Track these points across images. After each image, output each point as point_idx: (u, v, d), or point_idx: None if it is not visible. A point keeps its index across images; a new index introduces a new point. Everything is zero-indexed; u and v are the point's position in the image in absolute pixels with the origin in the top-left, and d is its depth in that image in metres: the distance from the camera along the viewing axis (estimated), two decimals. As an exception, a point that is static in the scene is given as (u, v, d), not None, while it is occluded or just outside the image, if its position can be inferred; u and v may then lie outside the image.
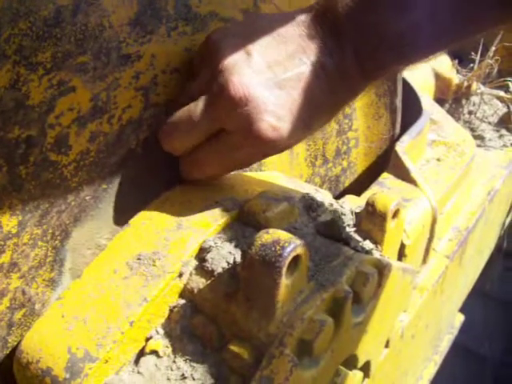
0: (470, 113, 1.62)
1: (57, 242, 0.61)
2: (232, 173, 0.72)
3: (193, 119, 0.62)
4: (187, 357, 0.56)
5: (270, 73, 0.61)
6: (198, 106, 0.62)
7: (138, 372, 0.57)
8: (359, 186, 1.02)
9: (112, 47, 0.59)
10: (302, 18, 0.64)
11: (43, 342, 0.58)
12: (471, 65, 1.63)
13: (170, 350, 0.57)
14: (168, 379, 0.56)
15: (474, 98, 1.63)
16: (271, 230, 0.52)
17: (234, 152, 0.63)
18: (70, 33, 0.55)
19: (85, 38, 0.56)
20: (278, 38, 0.63)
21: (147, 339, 0.58)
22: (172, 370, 0.56)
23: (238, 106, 0.59)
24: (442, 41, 0.64)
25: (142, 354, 0.58)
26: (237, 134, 0.62)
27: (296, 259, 0.51)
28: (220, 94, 0.60)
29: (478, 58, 1.61)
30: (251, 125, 0.60)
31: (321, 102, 0.64)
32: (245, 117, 0.60)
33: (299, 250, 0.51)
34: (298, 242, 0.51)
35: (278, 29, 0.63)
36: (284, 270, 0.50)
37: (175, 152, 0.66)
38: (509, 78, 1.65)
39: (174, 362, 0.57)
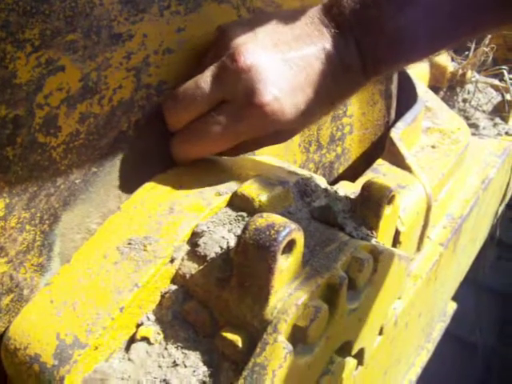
0: (464, 101, 1.61)
1: (45, 226, 0.60)
2: (225, 157, 0.71)
3: (200, 87, 0.62)
4: (179, 343, 0.55)
5: (276, 49, 0.62)
6: (204, 75, 0.62)
7: (129, 359, 0.56)
8: (353, 173, 1.01)
9: (103, 25, 0.58)
10: (309, 11, 0.66)
11: (31, 328, 0.56)
12: (466, 53, 1.63)
13: (161, 336, 0.56)
14: (159, 366, 0.54)
15: (469, 86, 1.62)
16: (265, 214, 0.51)
17: (235, 123, 0.62)
18: (58, 9, 0.53)
19: (74, 15, 0.54)
20: (284, 24, 0.64)
21: (138, 325, 0.57)
22: (163, 357, 0.55)
23: (243, 72, 0.60)
24: (441, 39, 0.65)
25: (132, 340, 0.57)
26: (239, 102, 0.61)
27: (291, 244, 0.50)
28: (227, 62, 0.61)
29: (473, 45, 1.61)
30: (253, 92, 0.60)
31: (323, 87, 0.64)
32: (247, 83, 0.60)
33: (294, 235, 0.50)
34: (293, 226, 0.50)
35: (285, 18, 0.65)
36: (278, 254, 0.49)
37: (176, 124, 0.65)
38: (504, 67, 1.64)
39: (166, 348, 0.55)
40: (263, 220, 0.50)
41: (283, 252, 0.50)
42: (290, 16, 0.66)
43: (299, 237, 0.51)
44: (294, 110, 0.62)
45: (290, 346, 0.50)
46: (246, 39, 0.62)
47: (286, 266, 0.51)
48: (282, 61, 0.62)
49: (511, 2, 0.59)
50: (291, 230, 0.50)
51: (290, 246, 0.50)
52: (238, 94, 0.61)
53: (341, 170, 1.04)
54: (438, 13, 0.62)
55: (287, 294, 0.52)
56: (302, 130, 0.73)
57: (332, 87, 0.65)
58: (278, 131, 0.65)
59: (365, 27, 0.64)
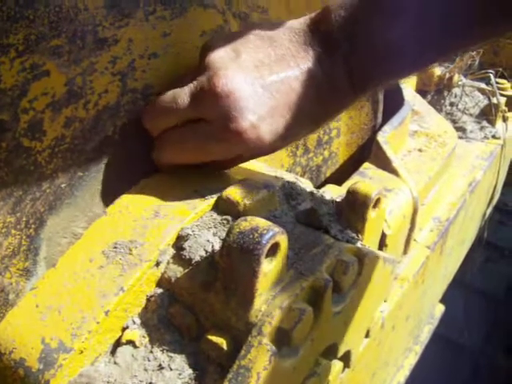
0: (451, 104, 1.62)
1: (31, 230, 0.60)
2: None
3: (176, 102, 0.62)
4: (164, 347, 0.56)
5: (256, 73, 0.61)
6: (183, 91, 0.62)
7: (115, 362, 0.56)
8: (341, 177, 1.01)
9: (87, 30, 0.58)
10: (296, 25, 0.64)
11: (17, 333, 0.56)
12: (453, 57, 1.63)
13: (146, 339, 0.56)
14: (145, 370, 0.55)
15: (456, 90, 1.63)
16: (249, 218, 0.51)
17: (210, 143, 0.62)
18: (43, 14, 0.53)
19: (59, 21, 0.55)
20: (268, 42, 0.63)
21: (124, 329, 0.57)
22: (149, 360, 0.55)
23: (220, 97, 0.59)
24: (430, 54, 0.64)
25: (118, 344, 0.57)
26: (216, 126, 0.61)
27: (275, 247, 0.51)
28: (204, 85, 0.60)
29: (459, 49, 1.61)
30: (231, 119, 0.59)
31: (305, 110, 0.63)
32: (225, 110, 0.59)
33: (278, 238, 0.50)
34: (277, 229, 0.50)
35: (270, 33, 0.64)
36: (262, 257, 0.49)
37: (152, 131, 0.66)
38: (490, 70, 1.65)
39: (151, 352, 0.56)
40: (247, 223, 0.51)
41: (267, 255, 0.50)
42: (275, 31, 0.64)
43: (283, 240, 0.51)
44: (273, 136, 0.62)
45: (275, 349, 0.50)
46: (228, 61, 0.61)
47: (270, 269, 0.51)
48: (262, 86, 0.61)
49: (499, 17, 0.59)
50: (275, 234, 0.50)
51: (273, 250, 0.51)
52: (214, 117, 0.60)
53: (328, 174, 1.04)
54: (428, 28, 0.61)
55: (271, 297, 0.52)
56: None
57: (317, 109, 0.65)
58: (259, 154, 0.65)
59: (353, 43, 0.62)
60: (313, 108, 0.64)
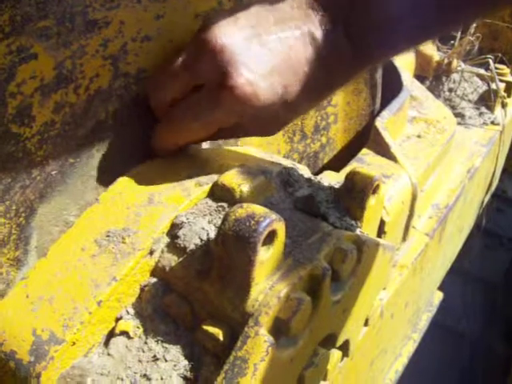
0: (450, 90, 1.60)
1: (21, 218, 0.58)
2: (206, 148, 0.69)
3: (175, 68, 0.61)
4: (159, 337, 0.54)
5: (253, 31, 0.60)
6: (179, 57, 0.62)
7: (108, 354, 0.55)
8: (338, 163, 1.00)
9: (77, 12, 0.56)
10: None
11: (7, 324, 0.55)
12: (452, 42, 1.62)
13: (141, 330, 0.55)
14: (139, 361, 0.53)
15: (455, 76, 1.61)
16: (245, 205, 0.50)
17: (209, 108, 0.60)
18: None
19: (46, 1, 0.53)
20: (267, 8, 0.62)
21: (117, 319, 0.56)
22: (143, 351, 0.54)
23: (215, 53, 0.58)
24: (429, 27, 0.64)
25: (111, 335, 0.56)
26: (212, 86, 0.60)
27: (272, 235, 0.49)
28: (200, 44, 0.60)
29: (458, 35, 1.60)
30: (225, 75, 0.58)
31: (307, 73, 0.62)
32: (220, 66, 0.58)
33: (275, 225, 0.49)
34: (274, 216, 0.49)
35: (271, 3, 0.63)
36: (259, 245, 0.48)
37: (156, 107, 0.65)
38: (489, 56, 1.64)
39: (146, 343, 0.54)
40: (243, 210, 0.49)
41: (264, 243, 0.49)
42: (276, 1, 0.63)
43: (280, 227, 0.50)
44: (270, 93, 0.60)
45: (272, 339, 0.49)
46: (226, 23, 0.60)
47: (266, 257, 0.50)
48: (259, 44, 0.60)
49: None
50: (272, 221, 0.48)
51: (270, 237, 0.49)
52: (211, 77, 0.59)
53: (326, 160, 1.03)
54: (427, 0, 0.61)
55: (269, 286, 0.51)
56: (291, 122, 0.69)
57: (319, 73, 0.63)
58: (259, 118, 0.62)
59: (353, 13, 0.62)
60: (315, 72, 0.63)
